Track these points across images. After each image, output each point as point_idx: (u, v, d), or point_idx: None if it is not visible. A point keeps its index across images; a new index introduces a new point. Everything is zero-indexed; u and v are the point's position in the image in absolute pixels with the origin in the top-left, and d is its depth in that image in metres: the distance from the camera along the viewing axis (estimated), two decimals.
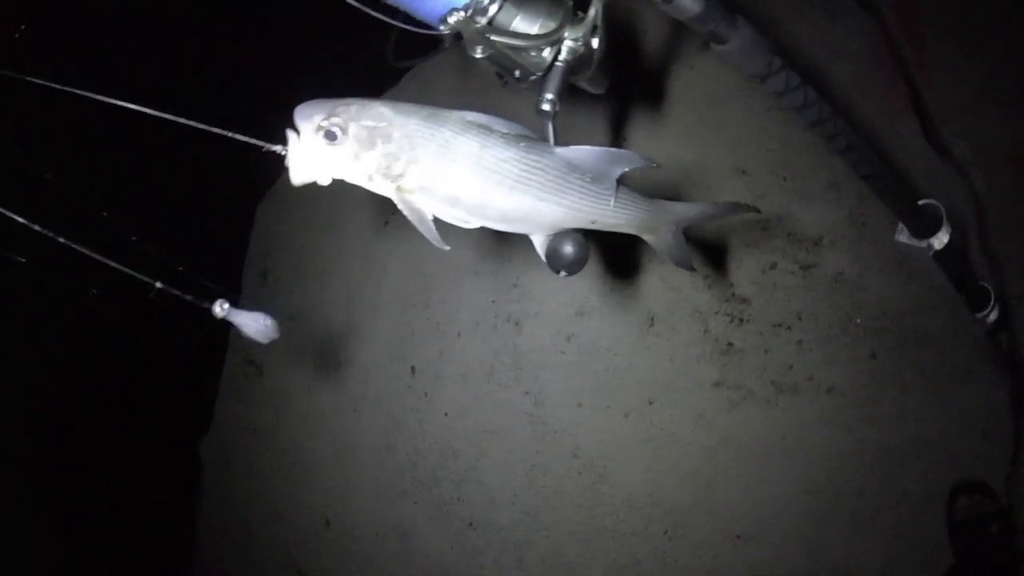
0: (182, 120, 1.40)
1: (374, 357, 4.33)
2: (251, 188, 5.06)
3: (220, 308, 1.47)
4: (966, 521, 2.98)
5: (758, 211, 1.77)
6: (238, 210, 5.10)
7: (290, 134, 1.35)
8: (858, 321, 3.23)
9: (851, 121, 1.72)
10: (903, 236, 2.25)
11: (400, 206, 1.41)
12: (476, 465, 3.90)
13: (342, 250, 4.55)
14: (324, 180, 1.38)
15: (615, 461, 3.57)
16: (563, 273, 1.53)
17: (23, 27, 3.46)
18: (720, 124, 3.51)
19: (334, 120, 1.33)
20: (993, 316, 2.66)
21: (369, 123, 1.35)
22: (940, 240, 2.19)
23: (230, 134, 1.41)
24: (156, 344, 4.61)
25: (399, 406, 4.18)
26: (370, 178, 1.38)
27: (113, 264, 1.50)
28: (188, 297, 1.49)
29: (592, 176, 1.49)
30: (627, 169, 1.52)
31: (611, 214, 1.55)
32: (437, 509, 3.98)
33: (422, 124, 1.37)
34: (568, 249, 1.50)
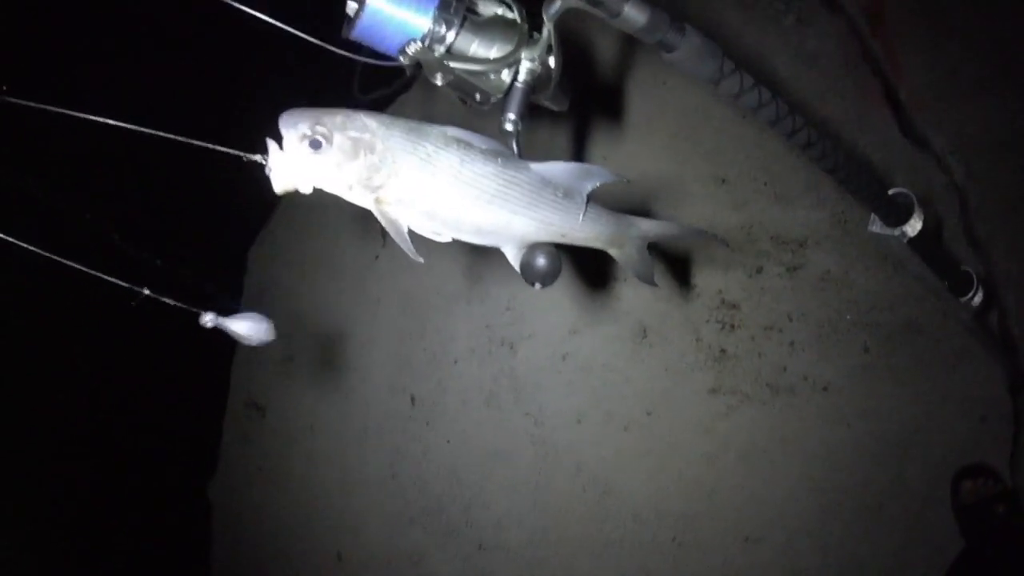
0: (162, 134, 1.42)
1: (374, 390, 4.36)
2: (243, 232, 5.10)
3: (207, 317, 1.48)
4: (972, 505, 2.99)
5: (726, 244, 1.81)
6: (231, 254, 5.13)
7: (270, 143, 1.36)
8: (848, 317, 3.25)
9: (809, 117, 1.75)
10: (876, 226, 2.27)
11: (378, 217, 1.43)
12: (481, 489, 3.93)
13: (335, 287, 4.58)
14: (305, 189, 1.39)
15: (618, 474, 3.59)
16: (538, 285, 1.55)
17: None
18: (698, 134, 3.54)
19: (319, 129, 1.34)
20: (978, 299, 2.67)
21: (353, 134, 1.36)
22: (913, 227, 2.21)
23: (211, 146, 1.42)
24: (158, 388, 4.64)
25: (402, 436, 4.21)
26: (350, 188, 1.40)
27: (105, 276, 1.51)
28: (178, 304, 1.50)
29: (564, 191, 1.53)
30: (598, 184, 1.56)
31: (580, 228, 1.59)
32: (446, 535, 4.00)
33: (405, 137, 1.39)
34: (541, 261, 1.53)
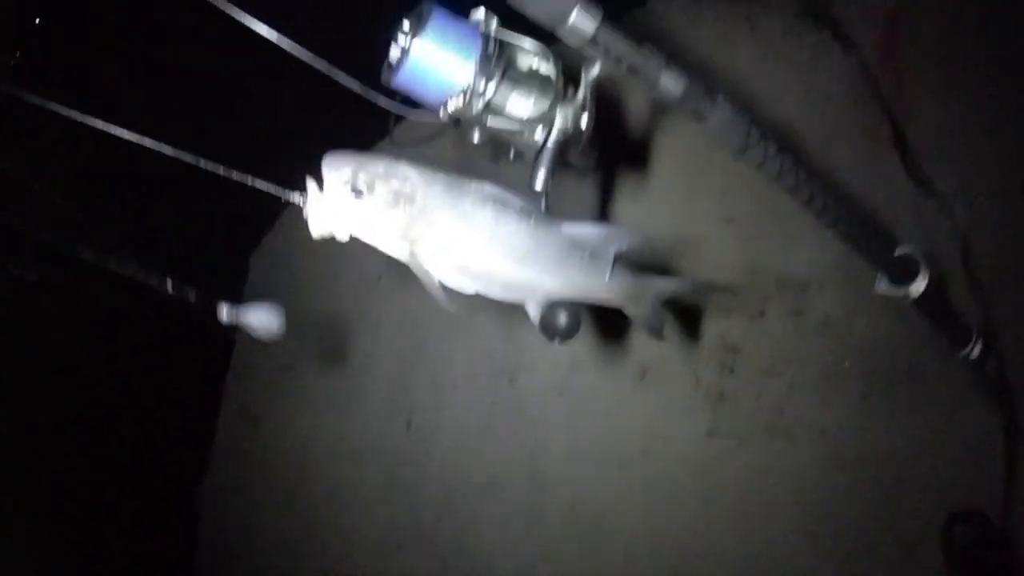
0: (200, 163, 1.42)
1: (371, 410, 4.36)
2: (244, 237, 5.11)
3: (225, 312, 1.49)
4: (964, 548, 3.00)
5: (734, 293, 1.84)
6: (231, 258, 5.14)
7: (310, 184, 1.36)
8: (847, 363, 3.26)
9: (826, 184, 1.78)
10: (882, 286, 2.31)
11: (412, 268, 1.45)
12: (474, 518, 3.92)
13: (336, 303, 4.59)
14: (342, 235, 1.40)
15: (612, 512, 3.59)
16: (557, 341, 1.57)
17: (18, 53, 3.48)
18: (705, 174, 3.55)
19: (362, 176, 1.35)
20: (977, 351, 2.69)
21: (395, 184, 1.38)
22: (918, 287, 2.25)
23: (251, 179, 1.43)
24: (151, 391, 4.63)
25: (397, 459, 4.21)
26: (387, 237, 1.41)
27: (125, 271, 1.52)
28: (199, 304, 1.51)
29: (591, 252, 1.55)
30: (624, 248, 1.58)
31: (603, 288, 1.61)
32: (435, 562, 4.00)
33: (445, 191, 1.41)
34: (563, 319, 1.56)
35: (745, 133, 1.55)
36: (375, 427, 4.34)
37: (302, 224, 1.38)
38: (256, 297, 4.86)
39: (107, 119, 1.42)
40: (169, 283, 1.50)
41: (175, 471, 5.06)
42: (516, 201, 1.47)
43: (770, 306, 3.38)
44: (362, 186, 1.35)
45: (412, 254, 1.42)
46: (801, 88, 3.44)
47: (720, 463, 3.40)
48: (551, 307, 1.58)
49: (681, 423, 3.49)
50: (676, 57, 1.43)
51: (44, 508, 4.48)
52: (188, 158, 1.39)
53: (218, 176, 1.44)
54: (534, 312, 1.60)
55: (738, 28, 3.63)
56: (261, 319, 1.52)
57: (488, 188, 1.44)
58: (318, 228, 1.38)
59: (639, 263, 1.71)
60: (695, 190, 3.58)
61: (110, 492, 4.63)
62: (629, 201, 3.69)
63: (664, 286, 1.82)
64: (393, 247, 1.42)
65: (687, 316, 3.48)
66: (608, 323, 3.62)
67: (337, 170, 1.36)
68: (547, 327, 1.58)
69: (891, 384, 3.18)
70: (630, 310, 1.78)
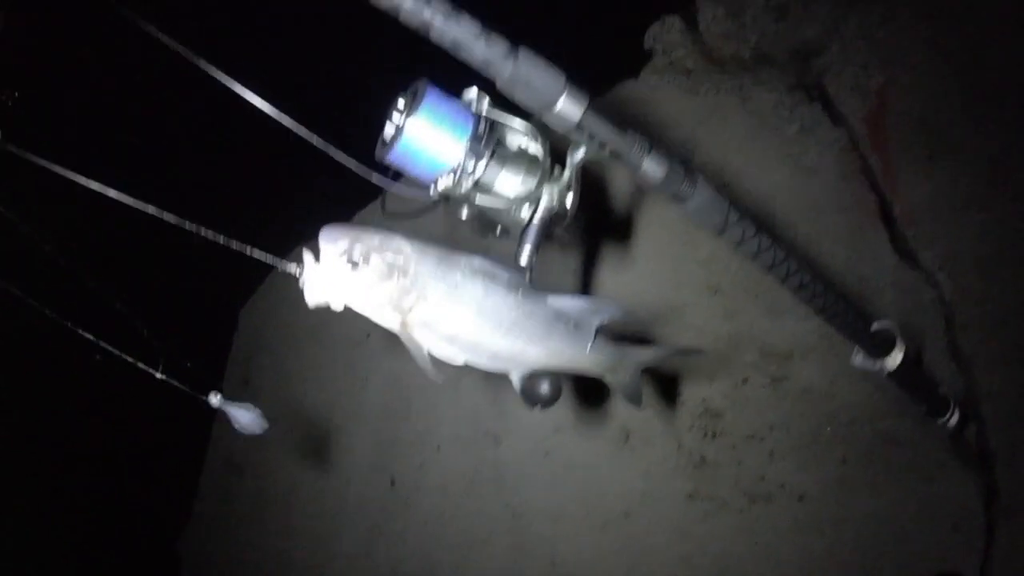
0: (203, 231, 1.45)
1: (355, 465, 4.38)
2: (235, 291, 5.14)
3: (215, 398, 1.52)
4: None
5: (701, 352, 1.87)
6: (221, 311, 5.17)
7: (306, 255, 1.40)
8: (828, 429, 3.28)
9: (802, 262, 1.83)
10: (858, 359, 2.36)
11: (402, 338, 1.48)
12: (456, 574, 3.92)
13: (324, 359, 4.61)
14: (337, 305, 1.44)
15: (592, 572, 3.61)
16: (538, 408, 1.61)
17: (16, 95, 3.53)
18: (692, 243, 3.61)
19: (358, 247, 1.38)
20: (954, 420, 2.74)
21: (389, 256, 1.41)
22: (893, 360, 2.29)
23: (249, 249, 1.46)
24: (137, 439, 4.64)
25: (380, 514, 4.21)
26: (380, 308, 1.45)
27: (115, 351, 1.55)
28: (185, 388, 1.54)
29: (575, 323, 1.59)
30: (606, 319, 1.63)
31: (585, 359, 1.66)
32: None
33: (436, 264, 1.44)
34: (544, 387, 1.60)
35: (724, 214, 1.61)
36: (360, 481, 4.35)
37: (293, 281, 1.41)
38: (244, 352, 4.94)
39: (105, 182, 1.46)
40: (161, 368, 1.52)
41: (159, 517, 5.07)
42: (504, 274, 1.50)
43: (753, 373, 3.42)
44: (358, 258, 1.38)
45: (403, 324, 1.46)
46: (790, 160, 3.50)
47: (700, 526, 3.42)
48: (532, 376, 1.62)
49: (663, 486, 3.51)
50: (659, 138, 1.48)
51: (31, 553, 4.48)
52: (190, 226, 1.43)
53: (214, 238, 1.47)
54: (517, 381, 1.64)
55: (730, 100, 3.69)
56: (247, 419, 1.55)
57: (478, 262, 1.48)
58: (314, 298, 1.41)
59: (618, 333, 1.75)
60: (682, 260, 3.63)
61: (94, 534, 4.63)
62: (614, 271, 3.74)
63: (643, 356, 1.86)
64: (385, 317, 1.45)
65: (670, 382, 3.52)
66: (591, 387, 3.64)
67: (334, 242, 1.38)
68: (529, 395, 1.62)
69: (871, 450, 3.21)
70: (609, 379, 1.82)
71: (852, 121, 3.44)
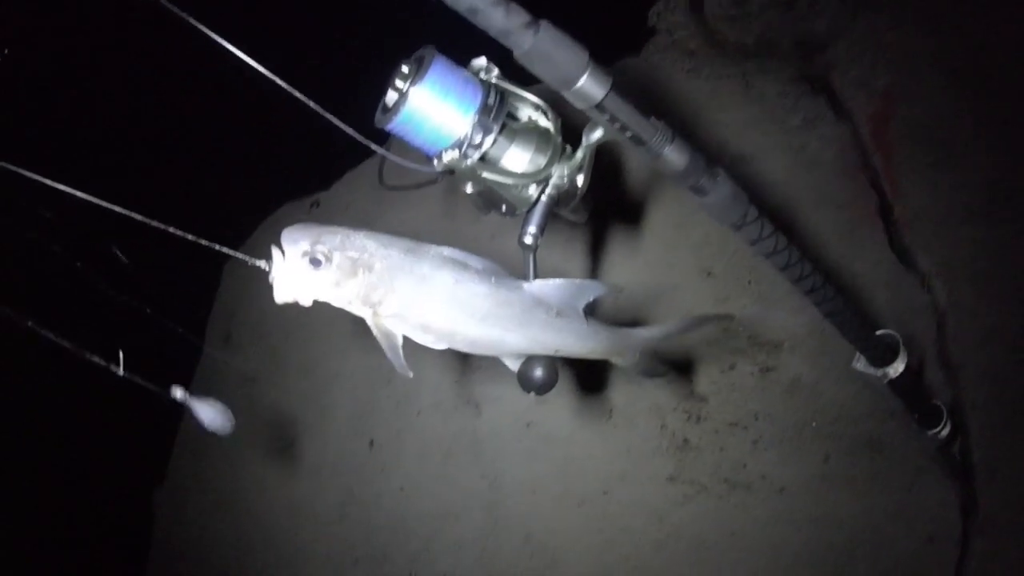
0: (184, 233, 1.42)
1: (333, 428, 4.35)
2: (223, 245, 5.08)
3: (179, 392, 1.48)
4: None
5: (731, 317, 1.84)
6: (204, 266, 5.11)
7: (275, 252, 1.38)
8: (813, 424, 3.27)
9: (817, 265, 1.80)
10: (860, 364, 2.32)
11: (374, 331, 1.46)
12: (428, 543, 3.92)
13: (306, 319, 4.55)
14: (305, 301, 1.42)
15: (567, 549, 3.59)
16: (533, 394, 1.58)
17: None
18: (688, 225, 3.58)
19: (319, 248, 1.37)
20: (945, 432, 2.72)
21: (352, 254, 1.39)
22: (896, 369, 2.26)
23: (218, 247, 1.44)
24: (115, 386, 4.59)
25: (356, 479, 4.19)
26: (349, 303, 1.43)
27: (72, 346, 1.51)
28: (149, 385, 1.50)
29: (558, 310, 1.55)
30: (592, 299, 1.59)
31: (575, 345, 1.62)
32: None
33: (402, 257, 1.42)
34: (539, 374, 1.56)
35: (743, 211, 1.56)
36: (338, 443, 4.32)
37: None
38: (227, 309, 4.89)
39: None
40: (121, 360, 1.47)
41: (134, 470, 5.03)
42: (476, 262, 1.48)
43: (741, 361, 3.40)
44: (320, 257, 1.37)
45: (375, 315, 1.44)
46: (791, 151, 3.47)
47: (679, 510, 3.41)
48: (529, 360, 1.58)
49: (643, 466, 3.50)
50: (681, 131, 1.44)
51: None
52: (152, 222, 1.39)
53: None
54: (511, 363, 1.61)
55: (733, 86, 3.65)
56: (212, 417, 1.51)
57: (447, 251, 1.46)
58: (281, 295, 1.40)
59: (618, 317, 1.71)
60: (674, 243, 3.61)
61: (67, 490, 4.59)
62: (610, 252, 3.70)
63: (648, 337, 1.83)
64: (356, 310, 1.44)
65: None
66: (580, 360, 3.62)
67: (295, 243, 1.39)
68: (524, 380, 1.59)
69: (853, 451, 3.20)
70: (617, 362, 1.78)
71: (856, 118, 3.41)
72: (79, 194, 1.33)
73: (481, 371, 3.89)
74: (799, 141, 3.50)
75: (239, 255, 1.44)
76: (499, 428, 3.82)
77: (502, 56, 1.33)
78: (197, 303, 5.04)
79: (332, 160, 4.40)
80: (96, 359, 1.44)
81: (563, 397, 3.67)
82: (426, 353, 3.61)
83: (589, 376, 3.62)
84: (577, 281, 1.59)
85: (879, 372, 2.28)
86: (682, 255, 3.58)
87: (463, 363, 3.96)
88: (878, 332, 2.28)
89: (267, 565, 4.47)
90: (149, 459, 5.15)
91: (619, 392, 3.59)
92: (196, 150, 4.42)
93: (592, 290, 1.61)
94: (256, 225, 4.89)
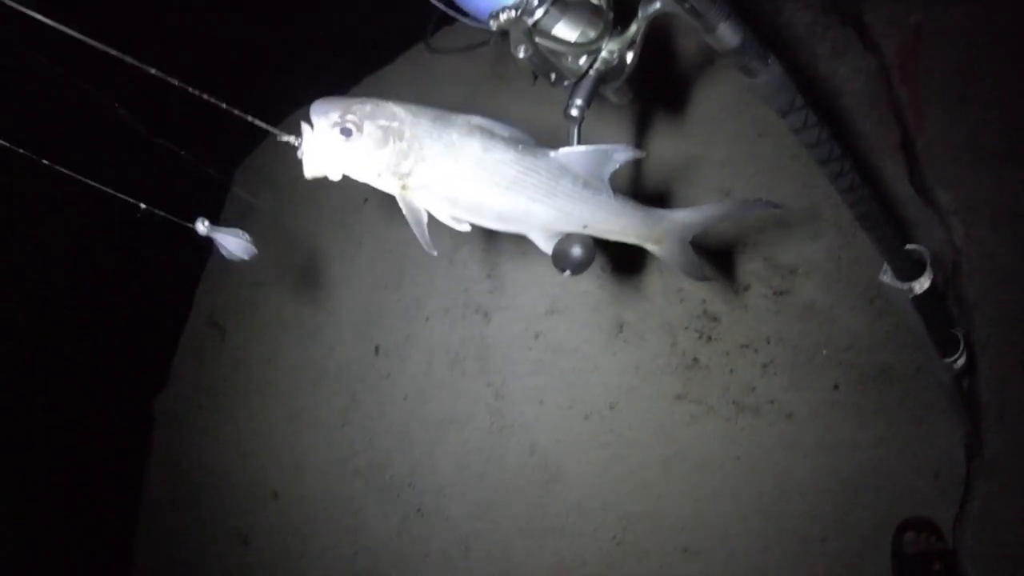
0: (208, 97, 1.40)
1: (339, 332, 4.34)
2: (230, 152, 5.04)
3: (202, 225, 1.47)
4: (911, 555, 3.02)
5: (778, 206, 1.78)
6: (214, 171, 5.07)
7: (304, 127, 1.36)
8: (824, 352, 3.26)
9: (856, 163, 1.76)
10: (886, 276, 2.29)
11: (401, 204, 1.44)
12: (431, 452, 3.92)
13: (317, 220, 4.55)
14: (335, 175, 1.40)
15: (571, 462, 3.60)
16: (567, 273, 1.55)
17: None
18: (710, 143, 3.53)
19: (349, 117, 1.35)
20: (961, 362, 2.70)
21: (383, 122, 1.37)
22: (921, 284, 2.24)
23: (250, 118, 1.42)
24: (120, 289, 4.57)
25: (360, 385, 4.19)
26: (379, 175, 1.41)
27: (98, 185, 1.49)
28: (171, 217, 1.49)
29: (584, 181, 1.52)
30: (617, 166, 1.54)
31: (603, 219, 1.58)
32: (387, 492, 4.00)
33: (431, 125, 1.40)
34: (577, 251, 1.52)
35: (791, 97, 1.53)
36: (343, 349, 4.31)
37: (290, 144, 1.38)
38: (236, 212, 4.85)
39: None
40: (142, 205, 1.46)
41: (136, 375, 5.01)
42: (504, 130, 1.45)
43: (755, 282, 3.38)
44: (350, 127, 1.35)
45: (404, 187, 1.42)
46: (818, 79, 3.42)
47: (684, 428, 3.40)
48: (566, 238, 1.56)
49: (652, 383, 3.49)
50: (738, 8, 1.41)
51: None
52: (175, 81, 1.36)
53: (209, 94, 1.41)
54: (541, 242, 1.58)
55: (763, 7, 3.59)
56: (234, 245, 1.50)
57: (476, 119, 1.43)
58: (311, 169, 1.38)
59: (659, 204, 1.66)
60: (696, 160, 3.57)
61: (67, 391, 4.57)
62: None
63: (683, 219, 1.70)
64: (385, 183, 1.42)
65: (671, 276, 3.47)
66: (593, 272, 3.61)
67: (325, 115, 1.36)
68: (559, 257, 1.56)
69: (864, 381, 3.19)
70: (653, 249, 1.73)
71: (885, 50, 3.36)
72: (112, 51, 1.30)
73: (491, 279, 3.87)
74: (827, 69, 3.44)
75: (270, 128, 1.40)
76: (507, 337, 3.81)
77: None
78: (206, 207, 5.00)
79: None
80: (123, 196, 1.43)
81: (574, 308, 3.66)
82: (436, 259, 3.60)
83: (600, 287, 3.62)
84: (602, 147, 1.54)
85: (905, 286, 2.26)
86: (701, 172, 3.54)
87: (474, 269, 3.94)
88: (908, 246, 2.26)
89: (266, 471, 4.48)
90: (153, 364, 5.13)
91: (631, 307, 3.57)
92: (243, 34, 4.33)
93: (615, 154, 1.57)
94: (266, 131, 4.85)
